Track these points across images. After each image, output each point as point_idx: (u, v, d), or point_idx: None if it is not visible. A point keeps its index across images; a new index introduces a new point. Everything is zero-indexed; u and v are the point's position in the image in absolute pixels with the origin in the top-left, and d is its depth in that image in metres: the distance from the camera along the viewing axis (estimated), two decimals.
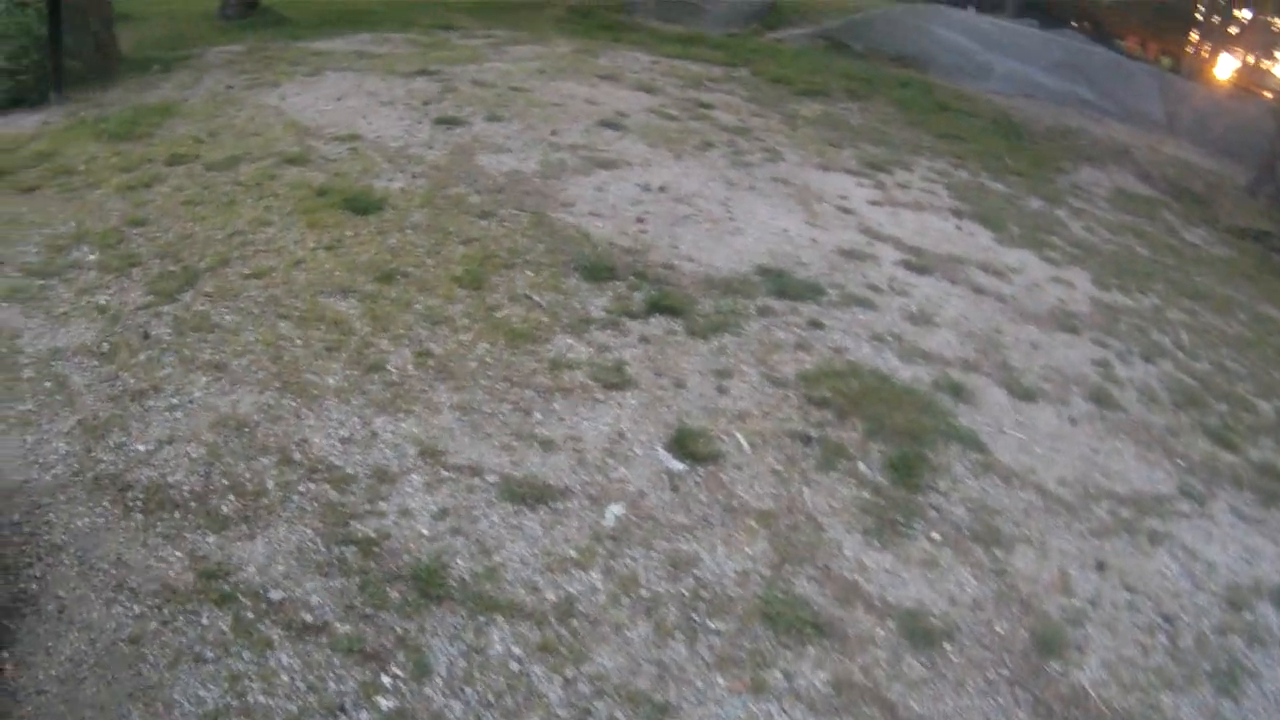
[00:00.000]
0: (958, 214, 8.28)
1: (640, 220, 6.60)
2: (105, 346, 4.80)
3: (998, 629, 3.64)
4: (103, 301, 5.25)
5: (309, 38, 12.61)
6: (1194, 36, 46.48)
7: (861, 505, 4.09)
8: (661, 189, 7.29)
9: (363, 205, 6.43)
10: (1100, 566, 4.15)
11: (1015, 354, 5.80)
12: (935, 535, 4.04)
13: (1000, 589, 3.82)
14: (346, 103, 8.90)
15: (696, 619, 3.41)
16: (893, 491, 4.22)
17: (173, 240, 5.96)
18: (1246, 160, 13.80)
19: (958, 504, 4.26)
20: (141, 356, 4.69)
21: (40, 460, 3.94)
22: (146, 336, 4.91)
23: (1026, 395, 5.34)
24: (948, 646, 3.50)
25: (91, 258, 5.76)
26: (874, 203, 8.00)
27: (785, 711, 3.12)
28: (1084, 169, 11.55)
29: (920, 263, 6.81)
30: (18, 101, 9.44)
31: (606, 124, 8.80)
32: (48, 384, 4.47)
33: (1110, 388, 5.77)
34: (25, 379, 4.52)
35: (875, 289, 6.17)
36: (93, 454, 3.98)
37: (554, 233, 6.23)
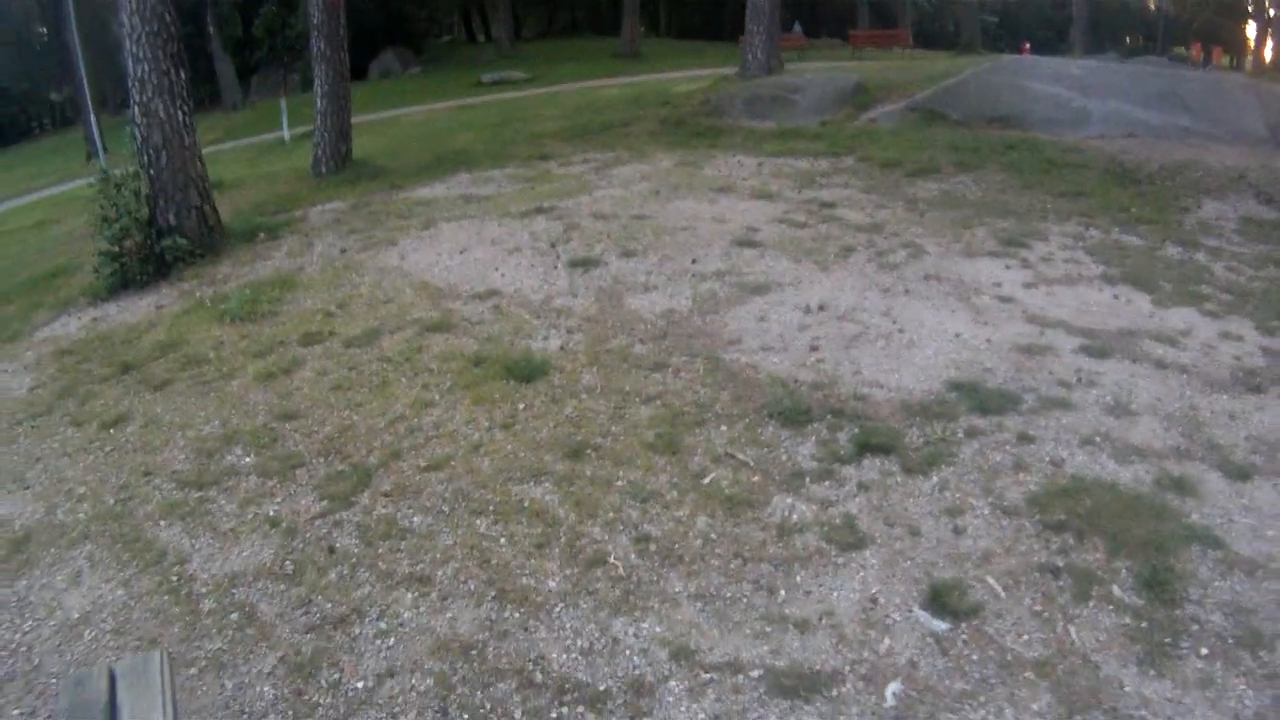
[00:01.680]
0: (1109, 279, 8.14)
1: (815, 349, 6.55)
2: (288, 566, 4.76)
3: None
4: (272, 512, 5.25)
5: (408, 186, 12.88)
6: (1249, 30, 45.53)
7: (1127, 633, 3.96)
8: (821, 308, 7.27)
9: (526, 372, 6.41)
10: None
11: (1217, 430, 5.62)
12: (1204, 650, 3.89)
13: (1275, 694, 3.68)
14: (472, 255, 8.98)
15: None
16: (1152, 611, 4.08)
17: (331, 433, 5.96)
18: None
19: (1214, 611, 4.11)
20: (332, 575, 4.65)
21: (248, 710, 3.84)
22: (332, 551, 4.84)
23: (1242, 475, 5.15)
24: None
25: (247, 461, 5.79)
26: (1028, 285, 7.89)
27: None
28: (1206, 203, 11.32)
29: (1097, 345, 6.68)
30: (126, 284, 9.71)
31: (742, 243, 8.83)
32: (234, 616, 4.43)
33: None
34: (207, 611, 4.51)
35: (1066, 384, 6.04)
36: (305, 697, 3.88)
37: (733, 376, 6.21)
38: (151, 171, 10.06)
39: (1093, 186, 11.58)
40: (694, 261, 8.40)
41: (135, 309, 8.98)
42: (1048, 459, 5.20)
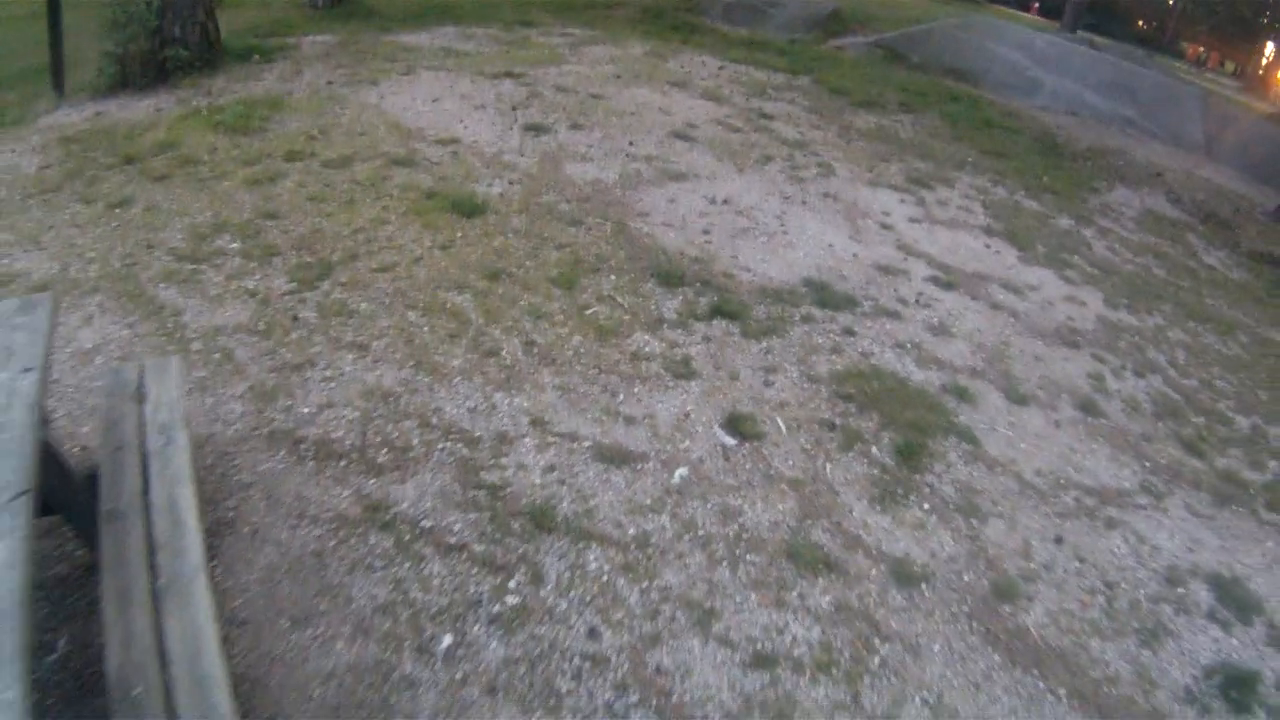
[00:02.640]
0: (989, 232, 9.45)
1: (706, 232, 7.84)
2: (261, 325, 5.98)
3: (965, 578, 4.86)
4: (251, 286, 6.43)
5: (397, 30, 13.83)
6: (1267, 48, 46.62)
7: (870, 480, 5.33)
8: (725, 202, 8.52)
9: (468, 209, 7.62)
10: (1058, 540, 5.35)
11: (1018, 365, 6.99)
12: (926, 506, 5.27)
13: (971, 549, 5.05)
14: (442, 105, 10.10)
15: (738, 553, 4.67)
16: (896, 471, 5.46)
17: (305, 234, 7.13)
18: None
19: (948, 484, 5.49)
20: (293, 336, 5.92)
21: (222, 418, 5.07)
22: (295, 319, 6.11)
23: (1021, 400, 6.53)
24: (924, 587, 4.73)
25: (234, 246, 6.92)
26: (913, 220, 9.19)
27: (798, 621, 4.38)
28: (1118, 189, 12.62)
29: (947, 279, 8.02)
30: (125, 84, 10.54)
31: (678, 135, 10.03)
32: (216, 355, 5.64)
33: (1098, 398, 6.92)
34: (195, 350, 5.76)
35: (903, 302, 7.39)
36: (265, 414, 5.21)
37: (633, 241, 7.49)
38: None
39: (1018, 151, 12.85)
40: (630, 144, 9.62)
41: (135, 108, 9.90)
42: (860, 351, 6.56)
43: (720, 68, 14.03)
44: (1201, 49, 61.75)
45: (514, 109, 10.25)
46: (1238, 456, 6.85)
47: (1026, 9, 62.88)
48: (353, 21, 14.66)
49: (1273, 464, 6.93)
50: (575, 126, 9.89)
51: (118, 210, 7.41)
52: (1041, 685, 4.39)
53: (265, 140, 8.92)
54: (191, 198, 7.65)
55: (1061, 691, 4.39)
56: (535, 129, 9.69)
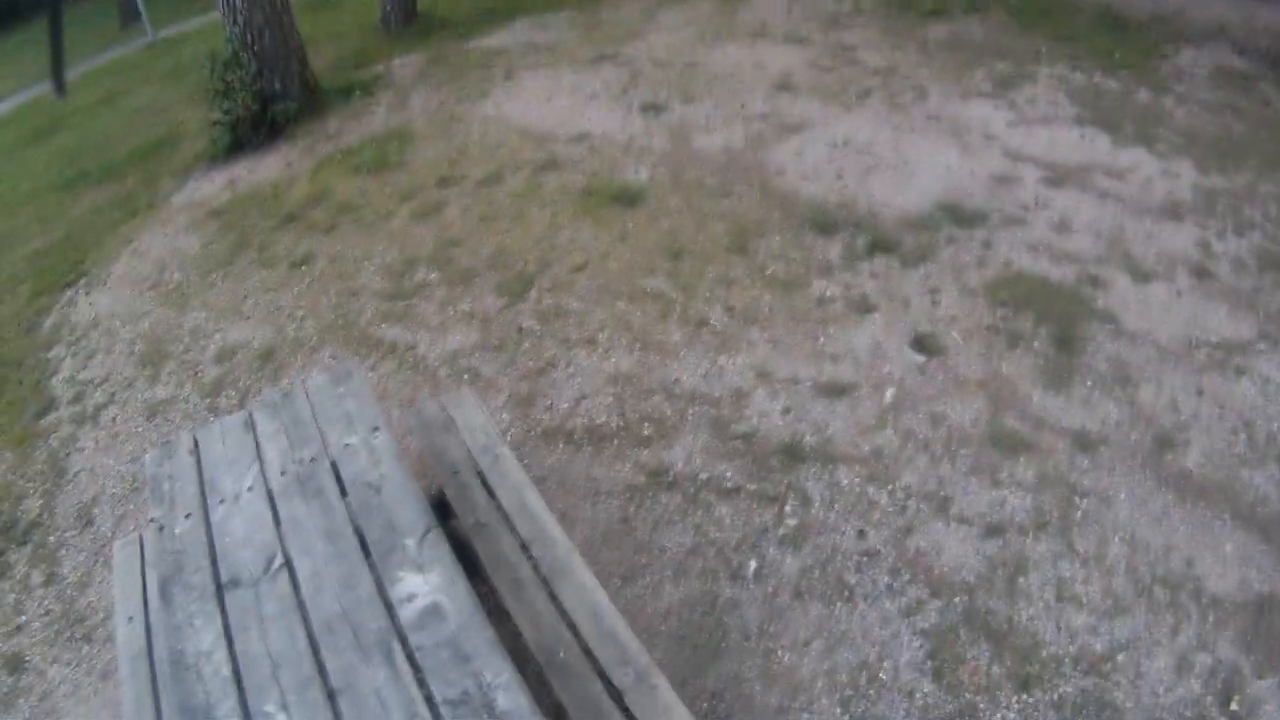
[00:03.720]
0: (1079, 121, 10.31)
1: (839, 177, 8.84)
2: (492, 341, 6.98)
3: (1132, 436, 5.98)
4: (466, 309, 7.37)
5: (475, 36, 14.41)
6: None
7: (1039, 369, 6.45)
8: (845, 144, 9.49)
9: (628, 199, 8.56)
10: (1199, 392, 6.42)
11: (1135, 245, 7.97)
12: (1089, 383, 6.37)
13: (1132, 412, 6.14)
14: (557, 103, 10.93)
15: (953, 448, 5.84)
16: (1058, 358, 6.56)
17: (492, 252, 8.02)
18: None
19: (1101, 361, 6.57)
20: (526, 344, 6.98)
21: (498, 425, 6.01)
22: (520, 330, 7.08)
23: (1144, 278, 7.54)
24: (1102, 449, 5.83)
25: (432, 276, 7.82)
26: (1010, 124, 10.06)
27: (1013, 494, 5.55)
28: (1185, 51, 13.30)
29: (1056, 177, 8.96)
30: (240, 148, 11.34)
31: (779, 86, 10.93)
32: (465, 376, 6.66)
33: (1208, 262, 7.86)
34: (443, 376, 6.82)
35: (1024, 207, 8.37)
36: (531, 416, 6.29)
37: (780, 199, 8.51)
38: (256, 48, 11.64)
39: (1084, 32, 13.54)
40: (742, 106, 10.63)
41: (264, 168, 10.83)
42: (1001, 260, 7.61)
43: (789, 5, 14.82)
44: None
45: (624, 92, 11.18)
46: None
47: None
48: (430, 36, 15.41)
49: None
50: (687, 99, 10.85)
51: (303, 268, 8.34)
52: (1209, 513, 5.50)
53: (410, 173, 9.81)
54: (369, 241, 8.56)
55: (1226, 515, 5.48)
56: (652, 108, 10.64)
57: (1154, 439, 5.98)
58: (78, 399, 7.60)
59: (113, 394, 7.51)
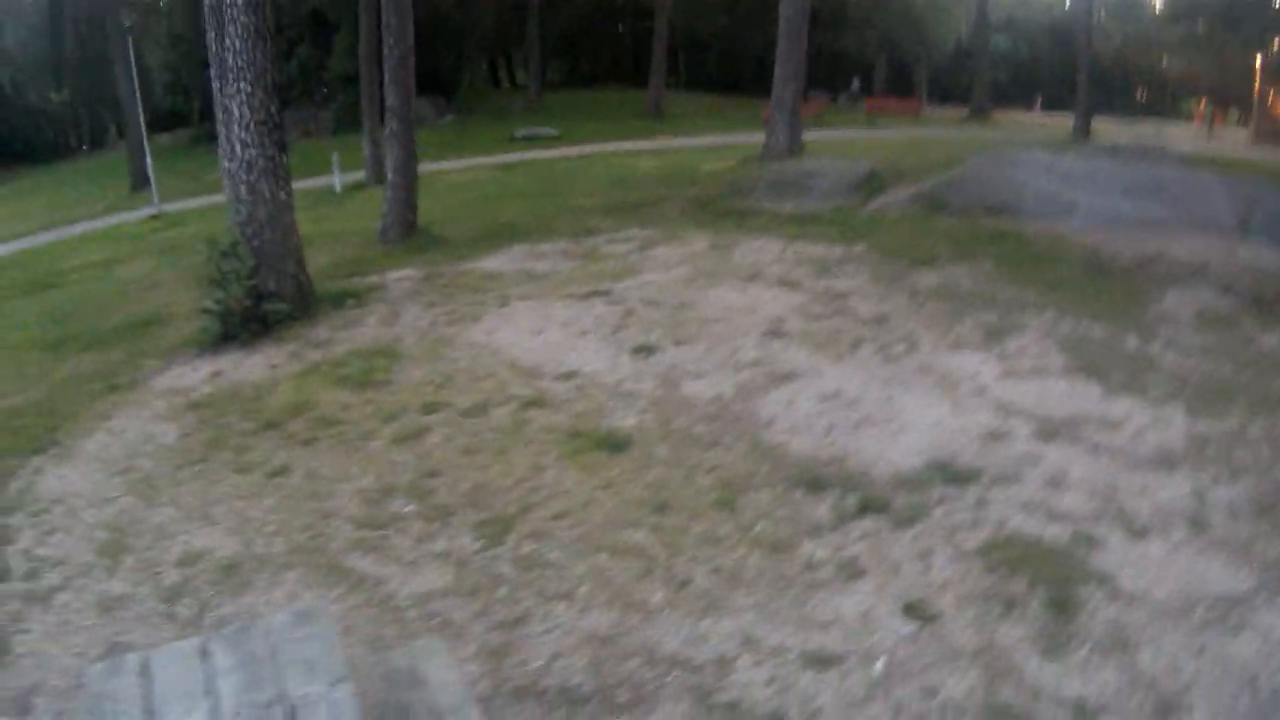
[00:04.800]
0: (1068, 371, 10.36)
1: (828, 432, 8.83)
2: (466, 586, 6.89)
3: (1135, 703, 5.70)
4: (441, 548, 7.29)
5: (471, 257, 14.95)
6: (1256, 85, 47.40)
7: (1034, 636, 6.24)
8: (835, 396, 9.52)
9: (614, 445, 8.54)
10: (1201, 651, 6.25)
11: (1129, 500, 7.85)
12: (1085, 648, 6.15)
13: (1132, 677, 5.90)
14: (548, 337, 11.15)
15: None
16: (1053, 624, 6.37)
17: (471, 489, 7.97)
18: None
19: (1099, 624, 6.38)
20: (500, 593, 6.84)
21: (466, 677, 5.77)
22: (496, 577, 6.98)
23: (1139, 534, 7.41)
24: (1103, 718, 5.67)
25: (409, 509, 7.75)
26: (1000, 377, 10.15)
27: None
28: (1170, 293, 13.54)
29: (1047, 430, 8.94)
30: (227, 339, 11.54)
31: (771, 333, 11.12)
32: (434, 621, 6.52)
33: (1202, 512, 7.77)
34: (412, 618, 6.70)
35: (1017, 464, 8.28)
36: (501, 671, 6.03)
37: (769, 453, 8.47)
38: (255, 243, 12.08)
39: (1071, 280, 13.84)
40: (734, 352, 10.73)
41: (249, 366, 10.98)
42: (994, 520, 7.49)
43: (782, 250, 15.19)
44: (1205, 103, 62.80)
45: (615, 331, 11.34)
46: None
47: (1030, 107, 64.50)
48: (427, 252, 15.84)
49: None
50: (677, 342, 10.97)
51: (278, 479, 8.29)
52: None
53: (394, 393, 9.89)
54: (348, 461, 8.55)
55: None
56: (643, 350, 10.77)
57: (1156, 704, 5.76)
58: (31, 575, 7.35)
59: (68, 578, 7.24)
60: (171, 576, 7.21)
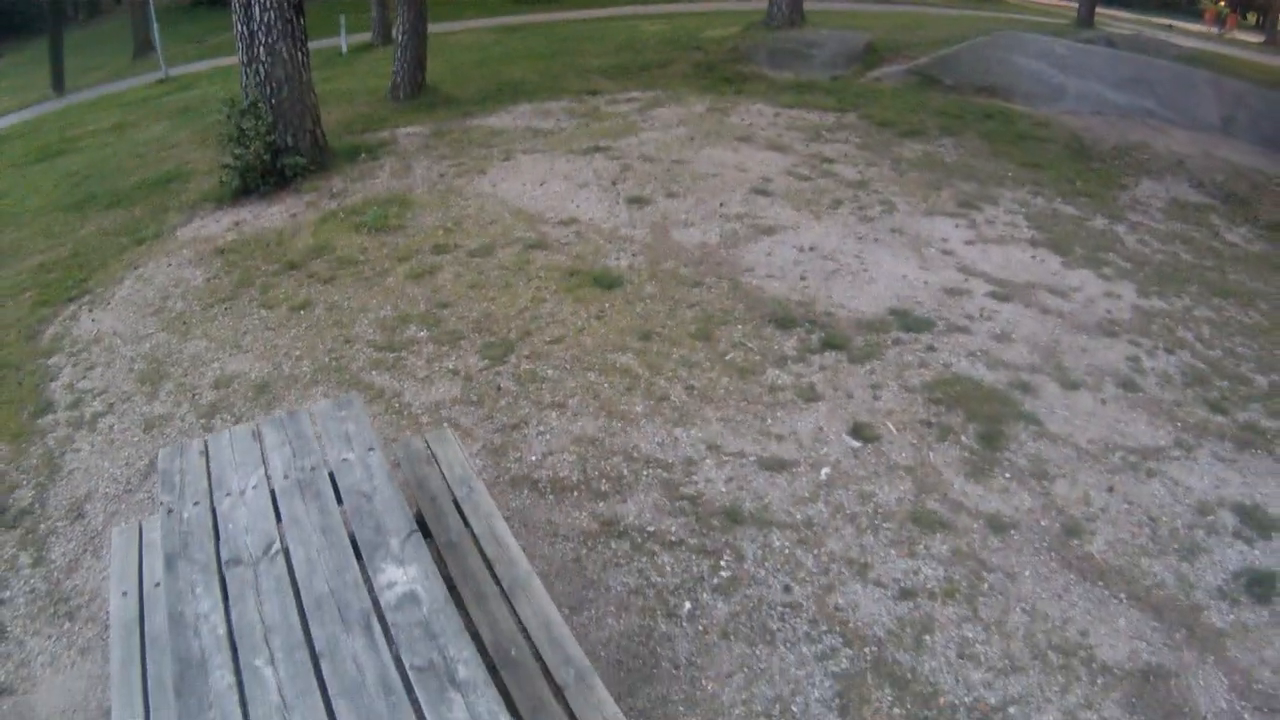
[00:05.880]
0: (1034, 243, 11.16)
1: (803, 278, 9.64)
2: (472, 397, 7.66)
3: (1042, 523, 6.67)
4: (451, 366, 8.04)
5: (478, 114, 15.35)
6: None
7: (963, 460, 7.16)
8: (811, 249, 10.33)
9: (608, 282, 9.32)
10: (1110, 489, 7.11)
11: (1068, 358, 8.70)
12: (1007, 475, 7.08)
13: (1045, 502, 6.85)
14: (550, 187, 11.77)
15: (877, 523, 6.52)
16: (982, 452, 7.28)
17: (479, 318, 8.72)
18: None
19: (1022, 457, 7.30)
20: (502, 403, 7.67)
21: (471, 460, 6.83)
22: (499, 389, 7.75)
23: (1072, 386, 8.26)
24: (1013, 532, 6.52)
25: (422, 334, 8.48)
26: (968, 242, 10.93)
27: (927, 564, 6.19)
28: (1144, 182, 14.22)
29: (1003, 292, 9.77)
30: (247, 192, 12.10)
31: (757, 190, 11.81)
32: (446, 424, 7.42)
33: (1135, 376, 8.59)
34: (425, 423, 7.51)
35: (970, 318, 9.16)
36: (502, 465, 6.96)
37: (747, 294, 9.30)
38: (274, 101, 12.53)
39: (1051, 160, 14.50)
40: (721, 205, 11.46)
41: (270, 215, 11.58)
42: (941, 363, 8.37)
43: (776, 115, 15.76)
44: (1222, 4, 62.42)
45: (613, 184, 12.02)
46: (1258, 410, 8.46)
47: None
48: (436, 110, 16.31)
49: None
50: (670, 194, 11.69)
51: (302, 312, 8.97)
52: (1106, 593, 6.18)
53: (408, 237, 10.55)
54: (366, 295, 9.24)
55: (1122, 595, 6.17)
56: (637, 201, 11.48)
57: (1063, 527, 6.68)
58: (76, 405, 8.10)
59: (111, 405, 8.00)
60: (208, 396, 7.96)
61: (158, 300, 9.64)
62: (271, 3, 12.28)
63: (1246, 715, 5.59)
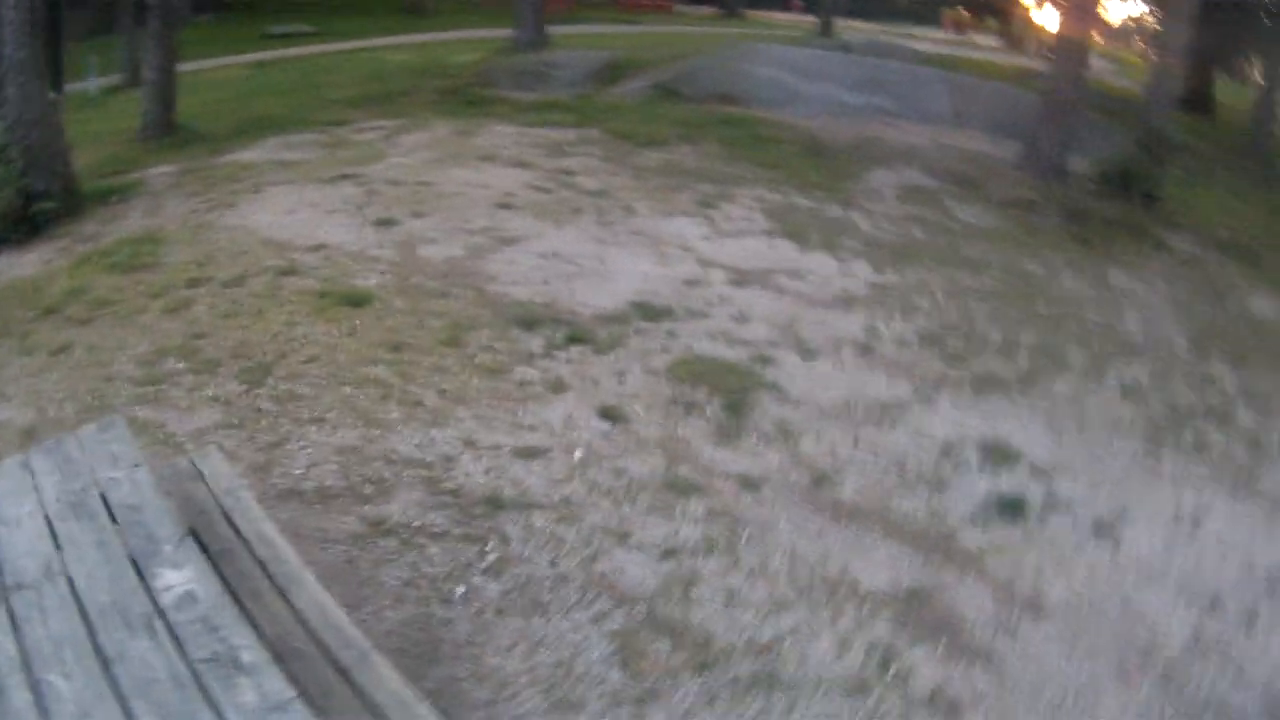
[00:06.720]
0: (770, 234, 11.73)
1: (545, 282, 9.90)
2: (234, 420, 7.74)
3: (791, 477, 7.04)
4: (210, 394, 8.01)
5: (227, 150, 15.23)
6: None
7: (711, 430, 7.51)
8: (554, 255, 10.60)
9: (357, 300, 9.35)
10: (856, 442, 7.60)
11: (806, 331, 9.21)
12: (754, 438, 7.48)
13: (792, 458, 7.23)
14: (299, 216, 11.75)
15: (633, 494, 6.75)
16: (728, 421, 7.63)
17: (234, 345, 8.65)
18: (1022, 141, 17.37)
19: (767, 422, 7.68)
20: (263, 423, 7.67)
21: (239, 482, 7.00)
22: (259, 410, 7.88)
23: (810, 355, 8.74)
24: (764, 488, 6.87)
25: (180, 365, 8.38)
26: (706, 238, 11.40)
27: (685, 525, 6.49)
28: (876, 172, 15.04)
29: (741, 279, 10.26)
30: (1, 240, 11.67)
31: (500, 205, 12.04)
32: (210, 448, 7.56)
33: (872, 342, 9.18)
34: (189, 449, 7.63)
35: (709, 303, 9.57)
36: (269, 481, 6.93)
37: (492, 301, 9.50)
38: (25, 144, 12.23)
39: (788, 159, 15.21)
40: (465, 221, 11.69)
41: (24, 264, 11.31)
42: (683, 346, 8.73)
43: (519, 134, 16.10)
44: (963, 12, 65.42)
45: (360, 209, 12.09)
46: (994, 359, 9.19)
47: (787, 7, 66.23)
48: (187, 148, 16.14)
49: (1023, 359, 9.37)
50: (416, 215, 11.82)
51: (61, 355, 8.78)
52: (862, 531, 6.62)
53: (161, 274, 10.41)
54: (123, 333, 9.11)
55: (877, 530, 6.63)
56: (384, 223, 11.56)
57: (812, 478, 7.10)
58: None
59: None
60: None
61: None
62: (24, 41, 12.01)
63: (1012, 618, 6.12)
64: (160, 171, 14.64)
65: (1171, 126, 18.18)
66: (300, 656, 4.48)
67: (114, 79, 27.56)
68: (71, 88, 23.63)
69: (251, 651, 3.77)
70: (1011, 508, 7.12)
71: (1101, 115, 19.20)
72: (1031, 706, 5.55)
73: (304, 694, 3.76)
